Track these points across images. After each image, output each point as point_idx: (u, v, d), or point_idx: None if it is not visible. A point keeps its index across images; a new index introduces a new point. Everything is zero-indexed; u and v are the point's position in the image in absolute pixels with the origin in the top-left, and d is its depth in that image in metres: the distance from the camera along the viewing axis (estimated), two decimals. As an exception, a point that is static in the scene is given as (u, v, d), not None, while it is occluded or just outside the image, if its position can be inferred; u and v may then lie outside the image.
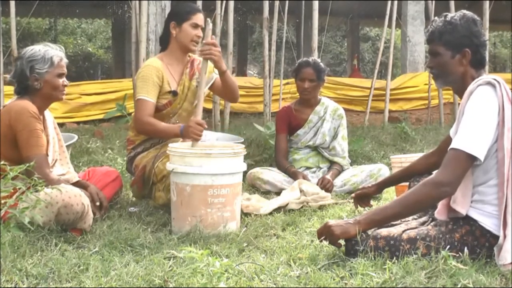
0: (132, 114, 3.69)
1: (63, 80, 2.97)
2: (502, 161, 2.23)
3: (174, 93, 3.44)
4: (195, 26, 3.43)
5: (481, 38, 2.41)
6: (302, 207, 3.48)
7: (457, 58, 2.40)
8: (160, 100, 3.41)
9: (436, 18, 2.47)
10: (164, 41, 3.56)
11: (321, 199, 3.56)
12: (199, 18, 3.45)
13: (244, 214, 3.19)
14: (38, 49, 2.93)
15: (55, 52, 2.95)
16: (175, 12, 3.55)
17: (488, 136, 2.22)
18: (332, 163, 4.29)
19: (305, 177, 4.00)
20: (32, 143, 2.81)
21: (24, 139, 2.80)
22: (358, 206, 3.21)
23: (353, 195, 3.23)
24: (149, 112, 3.32)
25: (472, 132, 2.21)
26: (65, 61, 3.00)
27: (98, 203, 2.97)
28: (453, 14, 2.43)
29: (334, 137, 4.30)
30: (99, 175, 3.37)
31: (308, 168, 4.26)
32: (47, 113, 3.08)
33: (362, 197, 3.13)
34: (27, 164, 2.60)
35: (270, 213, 3.33)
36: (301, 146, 4.31)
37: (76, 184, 2.98)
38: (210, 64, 3.43)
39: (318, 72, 4.19)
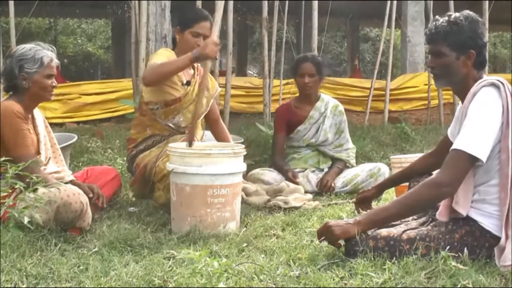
0: (135, 116, 3.71)
1: (52, 81, 2.95)
2: (506, 162, 2.22)
3: (188, 83, 3.48)
4: (197, 35, 3.41)
5: (484, 39, 2.40)
6: (304, 204, 3.49)
7: (462, 60, 2.38)
8: (171, 92, 3.42)
9: (438, 17, 2.45)
10: (173, 42, 3.63)
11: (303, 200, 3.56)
12: (202, 27, 3.41)
13: (244, 215, 3.19)
14: (29, 48, 2.92)
15: (45, 53, 2.93)
16: (182, 16, 3.54)
17: (491, 137, 2.22)
18: (333, 161, 4.28)
19: (294, 174, 3.97)
20: (19, 143, 2.80)
21: (10, 140, 2.79)
22: (360, 210, 3.19)
23: (354, 200, 3.22)
24: None
25: (474, 133, 2.21)
26: (55, 62, 2.98)
27: (91, 195, 2.95)
28: (458, 15, 2.40)
29: (338, 133, 4.30)
30: (98, 173, 3.37)
31: (306, 169, 4.23)
32: (36, 112, 3.07)
33: (363, 201, 3.11)
34: (34, 161, 2.60)
35: (270, 213, 3.33)
36: (303, 145, 4.27)
37: (70, 184, 2.97)
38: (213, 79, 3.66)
39: (317, 66, 4.16)
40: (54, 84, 2.97)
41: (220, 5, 3.21)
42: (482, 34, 2.40)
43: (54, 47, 3.04)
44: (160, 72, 3.22)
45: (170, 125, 3.49)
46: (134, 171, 3.47)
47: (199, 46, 3.19)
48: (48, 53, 2.94)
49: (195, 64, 3.58)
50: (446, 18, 2.41)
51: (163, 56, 3.38)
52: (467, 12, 2.43)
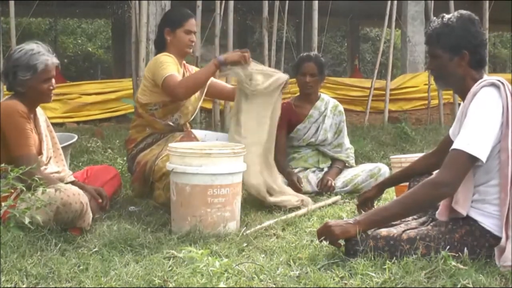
0: (134, 118, 3.74)
1: (49, 85, 2.91)
2: (506, 162, 2.22)
3: None
4: (188, 32, 3.59)
5: (479, 38, 2.38)
6: (302, 204, 3.48)
7: (455, 60, 2.38)
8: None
9: (434, 18, 2.45)
10: (160, 45, 3.67)
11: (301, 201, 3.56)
12: (191, 24, 3.62)
13: (244, 214, 3.19)
14: (24, 52, 2.86)
15: (40, 58, 2.86)
16: (168, 18, 3.70)
17: (491, 137, 2.21)
18: (333, 161, 4.28)
19: (298, 179, 3.98)
20: (21, 143, 2.80)
21: (13, 139, 2.79)
22: (362, 211, 3.17)
23: (356, 202, 3.21)
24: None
25: (474, 133, 2.21)
26: (53, 63, 2.91)
27: (100, 200, 2.98)
28: (450, 15, 2.40)
29: (337, 132, 4.30)
30: (98, 173, 3.37)
31: (307, 168, 4.23)
32: (39, 111, 3.06)
33: (366, 202, 3.09)
34: (32, 166, 2.60)
35: (270, 213, 3.33)
36: (303, 144, 4.26)
37: (72, 184, 2.97)
38: None
39: (320, 66, 4.16)
40: (51, 87, 2.93)
41: None
42: (476, 33, 2.38)
43: (51, 49, 2.98)
44: (194, 85, 3.40)
45: (170, 123, 3.55)
46: (135, 170, 3.48)
47: (228, 54, 3.43)
48: (43, 58, 2.87)
49: (187, 67, 3.72)
50: (440, 19, 2.41)
51: (172, 64, 3.45)
52: (461, 12, 2.42)
